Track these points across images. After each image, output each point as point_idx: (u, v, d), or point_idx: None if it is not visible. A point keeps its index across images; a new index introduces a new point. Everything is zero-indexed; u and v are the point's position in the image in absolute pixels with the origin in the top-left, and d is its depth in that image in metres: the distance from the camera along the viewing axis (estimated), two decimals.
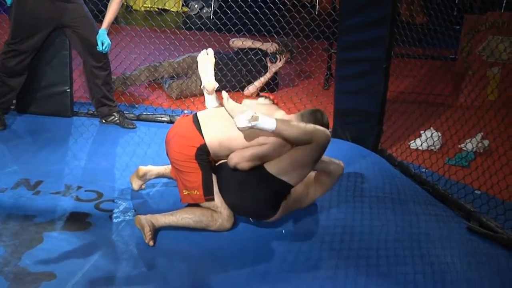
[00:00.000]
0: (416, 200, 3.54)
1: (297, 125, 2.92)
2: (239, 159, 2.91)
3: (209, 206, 2.98)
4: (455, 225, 3.29)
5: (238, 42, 5.42)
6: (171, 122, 4.51)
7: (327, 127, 3.10)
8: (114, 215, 3.12)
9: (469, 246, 3.09)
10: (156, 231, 2.92)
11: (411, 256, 2.93)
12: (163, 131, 4.04)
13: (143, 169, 3.36)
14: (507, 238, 3.08)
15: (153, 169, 3.39)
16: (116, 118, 4.42)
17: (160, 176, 3.42)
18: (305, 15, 5.09)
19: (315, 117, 3.08)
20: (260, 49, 5.37)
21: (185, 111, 4.74)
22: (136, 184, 3.38)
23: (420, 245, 3.03)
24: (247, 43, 5.40)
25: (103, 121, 4.44)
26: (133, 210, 3.16)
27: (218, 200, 2.98)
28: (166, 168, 3.39)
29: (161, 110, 4.77)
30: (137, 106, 4.82)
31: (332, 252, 2.92)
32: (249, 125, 2.81)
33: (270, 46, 5.39)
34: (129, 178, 3.41)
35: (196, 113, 3.10)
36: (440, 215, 3.40)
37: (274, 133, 2.87)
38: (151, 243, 2.83)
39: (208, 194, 2.97)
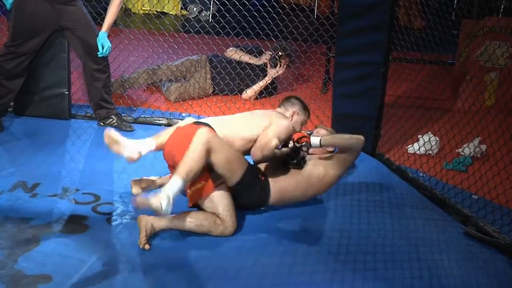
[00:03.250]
0: (413, 205, 3.54)
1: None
2: (263, 146, 3.11)
3: (212, 211, 2.99)
4: (452, 230, 3.30)
5: (235, 56, 5.27)
6: (169, 125, 4.49)
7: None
8: (112, 218, 3.11)
9: (466, 251, 3.10)
10: (156, 233, 2.92)
11: (408, 260, 2.93)
12: None
13: (146, 180, 3.34)
14: (504, 243, 3.09)
15: (157, 181, 3.36)
16: (114, 121, 4.42)
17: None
18: (303, 19, 5.09)
19: (292, 102, 3.53)
20: (256, 65, 5.33)
21: (183, 114, 4.73)
22: (136, 190, 3.35)
23: (417, 250, 3.03)
24: (244, 58, 5.31)
25: (101, 123, 4.44)
26: (131, 213, 3.16)
27: (221, 206, 2.98)
28: (163, 178, 3.37)
29: (159, 113, 4.76)
30: (135, 109, 4.82)
31: (330, 256, 2.92)
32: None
33: (266, 57, 5.35)
34: (130, 182, 3.37)
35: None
36: (438, 219, 3.40)
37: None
38: (146, 247, 2.82)
39: (217, 179, 2.99)
